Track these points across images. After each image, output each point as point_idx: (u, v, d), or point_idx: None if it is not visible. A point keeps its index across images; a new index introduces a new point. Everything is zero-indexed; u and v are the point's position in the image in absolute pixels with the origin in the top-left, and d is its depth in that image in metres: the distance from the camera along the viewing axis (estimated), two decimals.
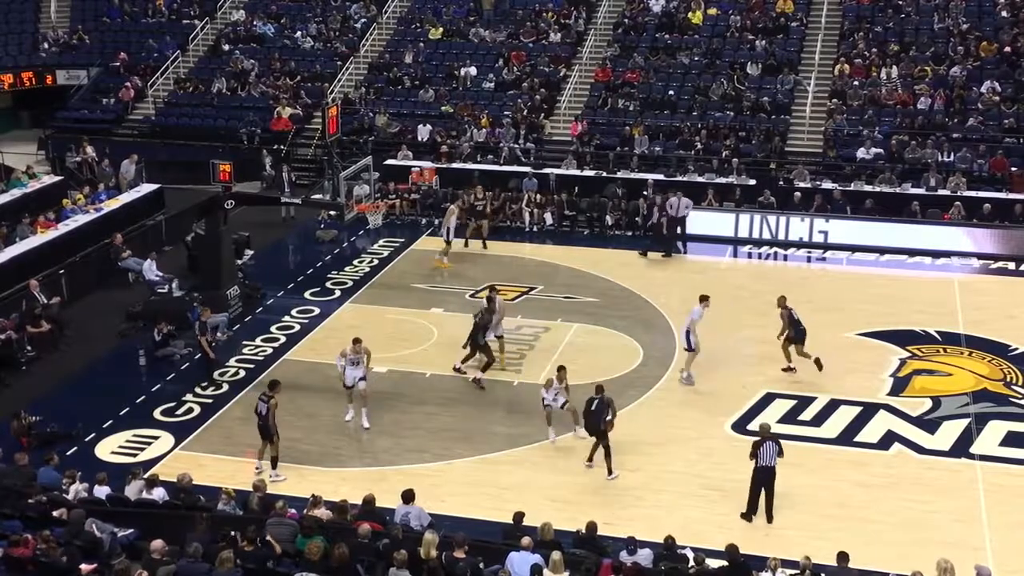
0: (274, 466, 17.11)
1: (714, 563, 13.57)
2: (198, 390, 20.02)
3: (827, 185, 29.07)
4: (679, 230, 27.62)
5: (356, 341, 18.74)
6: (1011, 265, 26.32)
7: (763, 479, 15.78)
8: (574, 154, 31.54)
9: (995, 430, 18.47)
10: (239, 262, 25.18)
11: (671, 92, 33.63)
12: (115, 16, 40.82)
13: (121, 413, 19.25)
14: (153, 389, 20.21)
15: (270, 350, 21.83)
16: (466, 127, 33.11)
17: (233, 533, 13.28)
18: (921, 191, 28.50)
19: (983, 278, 25.84)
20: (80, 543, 13.20)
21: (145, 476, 15.71)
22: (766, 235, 27.95)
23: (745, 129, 31.93)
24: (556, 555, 12.97)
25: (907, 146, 30.20)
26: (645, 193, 28.47)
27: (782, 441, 16.18)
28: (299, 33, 38.49)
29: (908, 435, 18.35)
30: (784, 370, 20.43)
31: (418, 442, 18.26)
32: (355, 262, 26.83)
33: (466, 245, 27.18)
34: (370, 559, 13.08)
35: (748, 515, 15.93)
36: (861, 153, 30.34)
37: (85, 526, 13.52)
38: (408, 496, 14.81)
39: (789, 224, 27.83)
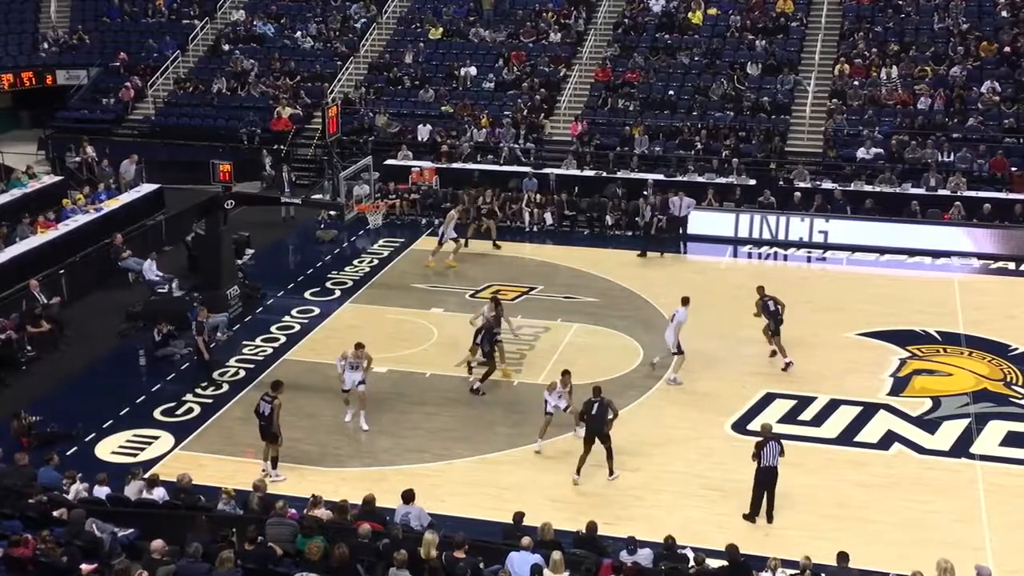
0: (274, 466, 17.11)
1: (714, 563, 13.56)
2: (198, 390, 20.02)
3: (827, 185, 29.09)
4: (681, 230, 27.65)
5: (359, 346, 18.70)
6: (1011, 265, 26.33)
7: (766, 480, 15.77)
8: (574, 154, 31.54)
9: (995, 430, 18.47)
10: (239, 262, 25.18)
11: (671, 92, 33.64)
12: (115, 16, 40.82)
13: (121, 413, 19.25)
14: (153, 389, 20.21)
15: (270, 350, 21.83)
16: (466, 127, 33.11)
17: (233, 531, 13.28)
18: (921, 191, 28.51)
19: (983, 278, 25.84)
20: (80, 543, 13.20)
21: (145, 476, 15.71)
22: (766, 235, 27.96)
23: (745, 129, 31.93)
24: (556, 555, 12.96)
25: (907, 146, 30.20)
26: (645, 193, 28.46)
27: (783, 441, 16.18)
28: (299, 33, 38.49)
29: (908, 435, 18.35)
30: (783, 368, 20.50)
31: (418, 442, 18.26)
32: (355, 262, 26.83)
33: (466, 244, 27.17)
34: (370, 559, 13.08)
35: (751, 516, 15.92)
36: (861, 153, 30.35)
37: (85, 526, 13.52)
38: (408, 496, 14.81)
39: (789, 224, 27.84)
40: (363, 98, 35.27)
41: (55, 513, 14.15)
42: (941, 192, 28.38)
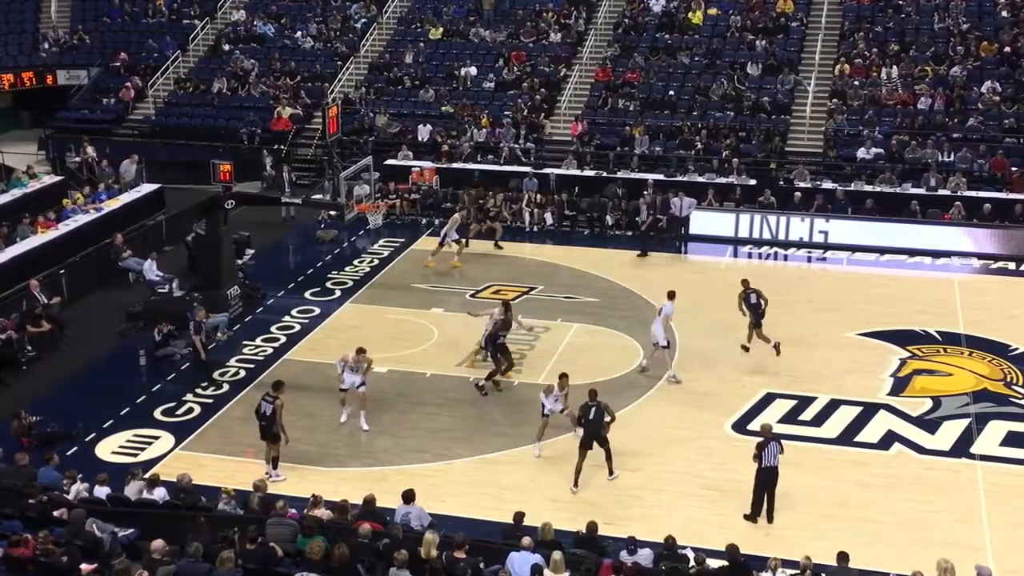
0: (275, 466, 17.10)
1: (714, 563, 13.56)
2: (198, 390, 20.02)
3: (827, 185, 29.09)
4: (682, 230, 27.66)
5: (360, 351, 18.61)
6: (1011, 265, 26.33)
7: (767, 480, 15.77)
8: (574, 154, 31.54)
9: (995, 430, 18.47)
10: (239, 262, 25.18)
11: (671, 92, 33.64)
12: (115, 16, 40.84)
13: (121, 413, 19.25)
14: (153, 389, 20.21)
15: (270, 350, 21.83)
16: (466, 127, 33.12)
17: (235, 530, 13.28)
18: (921, 191, 28.51)
19: (983, 278, 25.85)
20: (80, 543, 13.20)
21: (145, 476, 15.71)
22: (766, 235, 27.97)
23: (745, 129, 31.94)
24: (556, 555, 12.96)
25: (907, 146, 30.21)
26: (645, 193, 28.46)
27: (783, 441, 16.18)
28: (299, 33, 38.50)
29: (908, 435, 18.35)
30: (775, 352, 20.73)
31: (418, 442, 18.26)
32: (355, 262, 26.83)
33: (467, 244, 27.18)
34: (370, 559, 13.08)
35: (752, 516, 15.91)
36: (861, 153, 30.35)
37: (85, 526, 13.52)
38: (408, 496, 14.81)
39: (789, 224, 27.85)
40: (363, 98, 35.27)
41: (55, 513, 14.15)
42: (941, 192, 28.39)
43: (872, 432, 18.44)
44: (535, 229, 29.27)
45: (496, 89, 35.05)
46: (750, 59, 34.22)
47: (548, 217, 29.36)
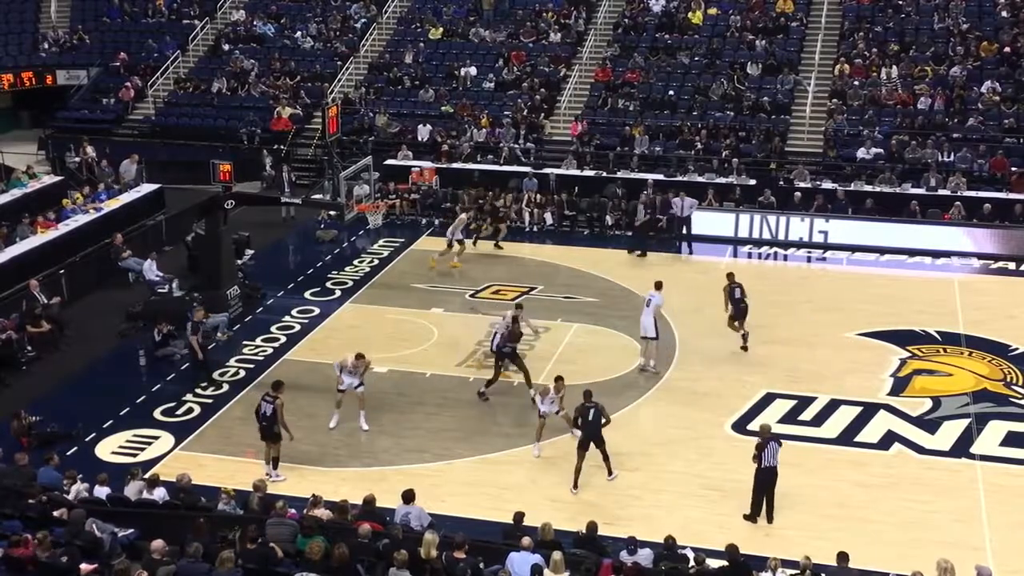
0: (275, 466, 17.10)
1: (714, 563, 13.56)
2: (198, 390, 20.01)
3: (827, 185, 29.09)
4: (684, 230, 27.67)
5: (359, 356, 18.47)
6: (1011, 265, 26.33)
7: (767, 480, 15.77)
8: (574, 154, 31.54)
9: (995, 430, 18.47)
10: (239, 262, 25.18)
11: (671, 92, 33.64)
12: (115, 16, 40.84)
13: (121, 413, 19.25)
14: (153, 389, 20.21)
15: (270, 350, 21.83)
16: (466, 127, 33.12)
17: (237, 529, 13.28)
18: (921, 191, 28.51)
19: (983, 278, 25.84)
20: (80, 543, 13.20)
21: (145, 476, 15.71)
22: (766, 235, 27.98)
23: (745, 129, 31.93)
24: (556, 555, 12.95)
25: (907, 146, 30.21)
26: (644, 193, 28.44)
27: (783, 440, 16.19)
28: (299, 33, 38.51)
29: (908, 435, 18.34)
30: (742, 347, 21.19)
31: (418, 442, 18.26)
32: (355, 262, 26.83)
33: (474, 244, 27.16)
34: (370, 559, 13.08)
35: (752, 516, 15.91)
36: (861, 153, 30.35)
37: (85, 526, 13.52)
38: (408, 496, 14.80)
39: (789, 224, 27.85)
40: (363, 98, 35.27)
41: (55, 513, 14.15)
42: (941, 192, 28.39)
43: (872, 432, 18.43)
44: (535, 229, 29.27)
45: (496, 89, 35.05)
46: (750, 59, 34.22)
47: (548, 217, 29.36)
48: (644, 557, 13.77)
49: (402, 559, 12.59)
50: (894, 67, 33.10)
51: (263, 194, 30.70)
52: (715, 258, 27.23)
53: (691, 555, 13.86)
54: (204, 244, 24.00)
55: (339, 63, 36.89)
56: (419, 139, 33.27)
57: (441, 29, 37.70)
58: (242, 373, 20.80)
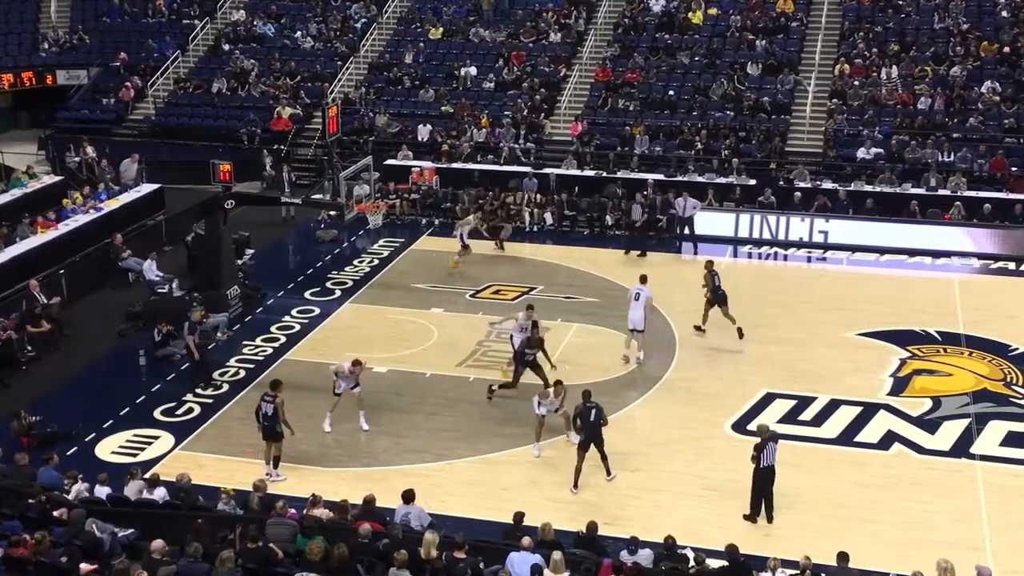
0: (275, 466, 17.10)
1: (714, 563, 13.56)
2: (198, 390, 20.01)
3: (827, 185, 29.09)
4: (687, 230, 27.67)
5: (356, 363, 18.41)
6: (1011, 265, 26.33)
7: (766, 480, 15.77)
8: (574, 154, 31.54)
9: (995, 430, 18.47)
10: (239, 262, 25.18)
11: (671, 92, 33.64)
12: (115, 16, 40.84)
13: (121, 413, 19.24)
14: (153, 389, 20.21)
15: (270, 350, 21.82)
16: (466, 127, 33.12)
17: (231, 536, 13.28)
18: (921, 191, 28.50)
19: (983, 278, 25.84)
20: (80, 543, 13.20)
21: (145, 476, 15.71)
22: (766, 235, 27.97)
23: (745, 129, 31.93)
24: (556, 555, 12.96)
25: (907, 146, 30.21)
26: (646, 192, 28.42)
27: (782, 440, 16.18)
28: (299, 33, 38.51)
29: (908, 435, 18.34)
30: (696, 328, 21.85)
31: (418, 442, 18.25)
32: (355, 262, 26.83)
33: (502, 248, 27.31)
34: (370, 559, 13.08)
35: (752, 516, 15.91)
36: (861, 153, 30.35)
37: (85, 526, 13.52)
38: (408, 496, 14.81)
39: (789, 224, 27.84)
40: (363, 98, 35.27)
41: (55, 513, 14.15)
42: (941, 192, 28.38)
43: (872, 432, 18.43)
44: (535, 229, 29.26)
45: (496, 89, 35.05)
46: (750, 59, 34.22)
47: (548, 217, 29.36)
48: (644, 557, 13.77)
49: (402, 559, 12.59)
50: (894, 67, 33.10)
51: (263, 194, 30.70)
52: (715, 258, 27.13)
53: (691, 555, 13.86)
54: (204, 244, 24.00)
55: (339, 63, 36.90)
56: (419, 139, 33.27)
57: (441, 29, 37.71)
58: (242, 373, 20.80)
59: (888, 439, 18.23)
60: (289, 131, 33.97)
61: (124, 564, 12.49)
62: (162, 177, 31.09)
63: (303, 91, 35.83)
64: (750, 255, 27.80)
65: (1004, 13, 34.46)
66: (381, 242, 28.15)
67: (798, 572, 13.25)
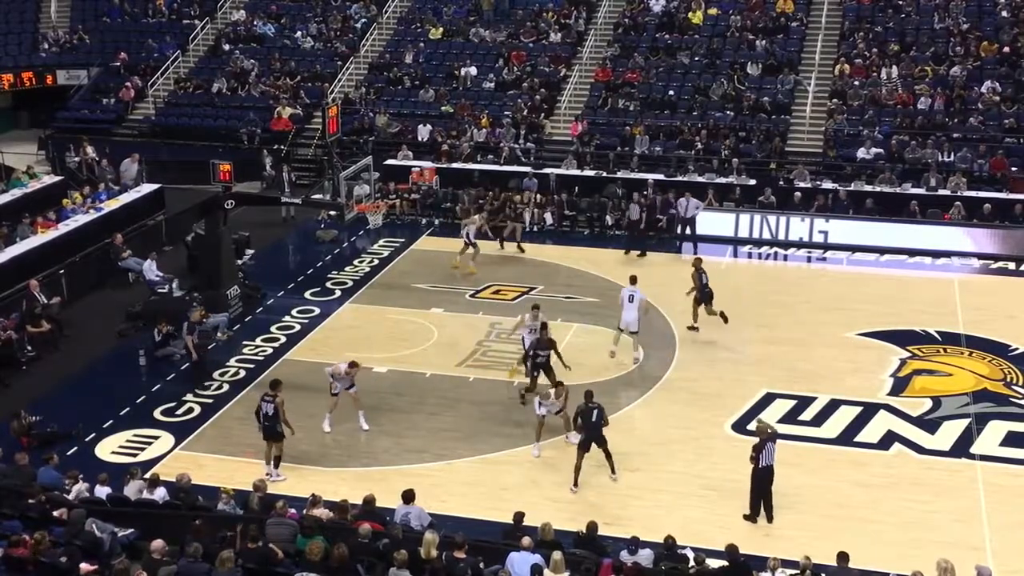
0: (276, 465, 17.09)
1: (714, 563, 13.56)
2: (198, 390, 20.01)
3: (827, 185, 29.09)
4: (688, 230, 27.67)
5: (353, 364, 18.38)
6: (1011, 265, 26.34)
7: (766, 480, 15.77)
8: (574, 154, 31.54)
9: (995, 430, 18.46)
10: (239, 262, 25.18)
11: (671, 92, 33.64)
12: (115, 16, 40.85)
13: (121, 413, 19.25)
14: (153, 389, 20.21)
15: (270, 350, 21.82)
16: (466, 127, 33.12)
17: (231, 536, 13.28)
18: (921, 191, 28.50)
19: (983, 278, 25.84)
20: (80, 543, 13.20)
21: (145, 476, 15.71)
22: (766, 235, 27.97)
23: (745, 129, 31.93)
24: (556, 555, 12.96)
25: (907, 146, 30.21)
26: (645, 192, 28.40)
27: (782, 441, 16.19)
28: (299, 33, 38.51)
29: (908, 435, 18.34)
30: (689, 328, 22.08)
31: (418, 442, 18.25)
32: (355, 262, 26.83)
33: (521, 248, 27.31)
34: (370, 559, 13.08)
35: (752, 516, 15.91)
36: (861, 153, 30.35)
37: (85, 526, 13.52)
38: (408, 496, 14.80)
39: (789, 224, 27.84)
40: (363, 98, 35.28)
41: (55, 513, 14.15)
42: (941, 192, 28.38)
43: (872, 432, 18.43)
44: (535, 229, 29.25)
45: (496, 89, 35.05)
46: (750, 59, 34.22)
47: (548, 217, 29.35)
48: (644, 557, 13.77)
49: (402, 559, 12.59)
50: (894, 67, 33.10)
51: (263, 194, 30.70)
52: (715, 258, 27.14)
53: (691, 555, 13.86)
54: (204, 244, 24.00)
55: (339, 63, 36.90)
56: (419, 139, 33.27)
57: (441, 29, 37.71)
58: (242, 373, 20.80)
59: (888, 439, 18.23)
60: (289, 131, 33.97)
61: (124, 564, 12.49)
62: (162, 177, 31.09)
63: (303, 91, 35.83)
64: (750, 255, 27.80)
65: (1004, 13, 34.46)
66: (381, 242, 28.15)
67: (798, 572, 13.25)
